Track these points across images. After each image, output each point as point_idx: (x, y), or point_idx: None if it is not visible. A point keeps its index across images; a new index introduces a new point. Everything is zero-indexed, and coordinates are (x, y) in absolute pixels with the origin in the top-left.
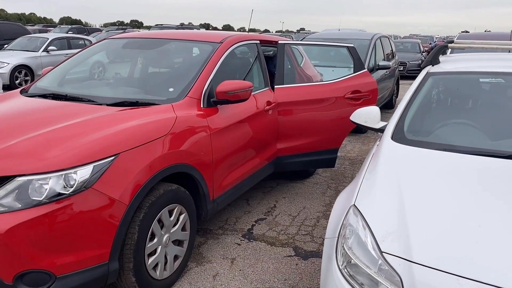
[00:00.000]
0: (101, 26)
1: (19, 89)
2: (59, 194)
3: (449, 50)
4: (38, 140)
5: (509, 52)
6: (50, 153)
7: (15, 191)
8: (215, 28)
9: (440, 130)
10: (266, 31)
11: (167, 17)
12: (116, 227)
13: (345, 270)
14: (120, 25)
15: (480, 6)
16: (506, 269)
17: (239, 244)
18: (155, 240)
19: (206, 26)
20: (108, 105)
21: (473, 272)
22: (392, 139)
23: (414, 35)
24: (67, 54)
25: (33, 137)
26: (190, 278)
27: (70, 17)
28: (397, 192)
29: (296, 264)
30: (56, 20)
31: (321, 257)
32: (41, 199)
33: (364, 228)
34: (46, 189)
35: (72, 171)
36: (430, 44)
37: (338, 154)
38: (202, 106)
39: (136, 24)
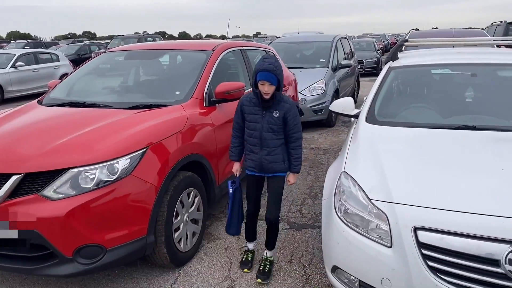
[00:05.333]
0: (52, 39)
1: (35, 101)
2: (105, 181)
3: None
4: (82, 139)
5: (453, 47)
6: (95, 148)
7: (69, 181)
8: (171, 36)
9: (403, 112)
10: (223, 36)
11: (118, 27)
12: (151, 206)
13: (343, 217)
14: (73, 37)
15: (428, 4)
16: (461, 198)
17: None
18: (179, 218)
19: (162, 34)
20: (124, 108)
21: (437, 203)
22: (366, 121)
23: (367, 34)
24: (35, 69)
25: (77, 136)
26: (206, 251)
27: (18, 31)
28: (376, 158)
29: (292, 234)
30: (3, 35)
31: (312, 228)
32: (90, 186)
33: (354, 185)
34: (94, 177)
35: (114, 161)
36: (383, 41)
37: (312, 146)
38: (204, 105)
39: (89, 36)
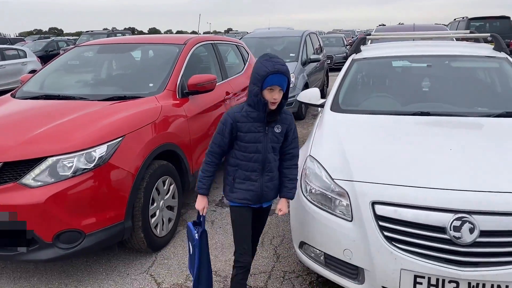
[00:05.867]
0: (16, 36)
1: (8, 94)
2: (83, 169)
3: (369, 41)
4: (59, 128)
5: (413, 40)
6: (72, 137)
7: (48, 169)
8: (141, 32)
9: (365, 101)
10: (194, 32)
11: (85, 23)
12: (128, 193)
13: (309, 196)
14: (39, 34)
15: (394, 0)
16: (413, 174)
17: (215, 211)
18: (155, 204)
19: (132, 30)
20: (99, 100)
21: (392, 180)
22: (331, 110)
23: (337, 30)
24: (2, 66)
25: (55, 126)
26: (182, 237)
27: None
28: (339, 143)
29: None
30: None
31: None
32: (68, 174)
33: (319, 167)
34: (72, 165)
35: (92, 150)
36: (352, 37)
37: None
38: (178, 96)
39: (56, 32)
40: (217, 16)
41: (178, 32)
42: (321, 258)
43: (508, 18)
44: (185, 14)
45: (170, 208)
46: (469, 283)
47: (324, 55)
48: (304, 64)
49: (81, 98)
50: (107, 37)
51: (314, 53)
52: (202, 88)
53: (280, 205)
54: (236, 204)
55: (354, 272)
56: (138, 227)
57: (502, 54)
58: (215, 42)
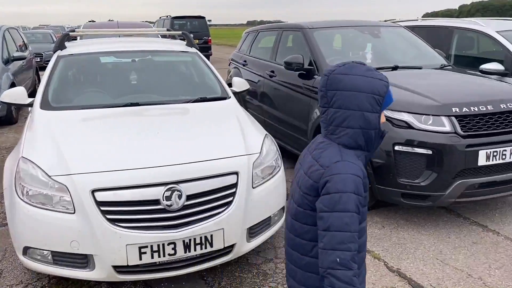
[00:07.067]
0: None
1: None
2: None
3: (78, 37)
4: None
5: (119, 36)
6: None
7: None
8: None
9: (77, 97)
10: None
11: None
12: None
13: (26, 199)
14: None
15: None
16: (126, 159)
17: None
18: None
19: None
20: None
21: (107, 167)
22: (41, 108)
23: (44, 25)
24: None
25: None
26: None
27: None
28: (53, 140)
29: None
30: None
31: (2, 226)
32: None
33: (34, 167)
34: None
35: None
36: (63, 33)
37: None
38: None
39: None
40: None
41: None
42: (49, 257)
43: (204, 18)
44: None
45: None
46: (183, 241)
47: (30, 52)
48: (6, 62)
49: None
50: None
51: (17, 50)
52: None
53: None
54: None
55: (84, 261)
56: None
57: (193, 49)
58: None
